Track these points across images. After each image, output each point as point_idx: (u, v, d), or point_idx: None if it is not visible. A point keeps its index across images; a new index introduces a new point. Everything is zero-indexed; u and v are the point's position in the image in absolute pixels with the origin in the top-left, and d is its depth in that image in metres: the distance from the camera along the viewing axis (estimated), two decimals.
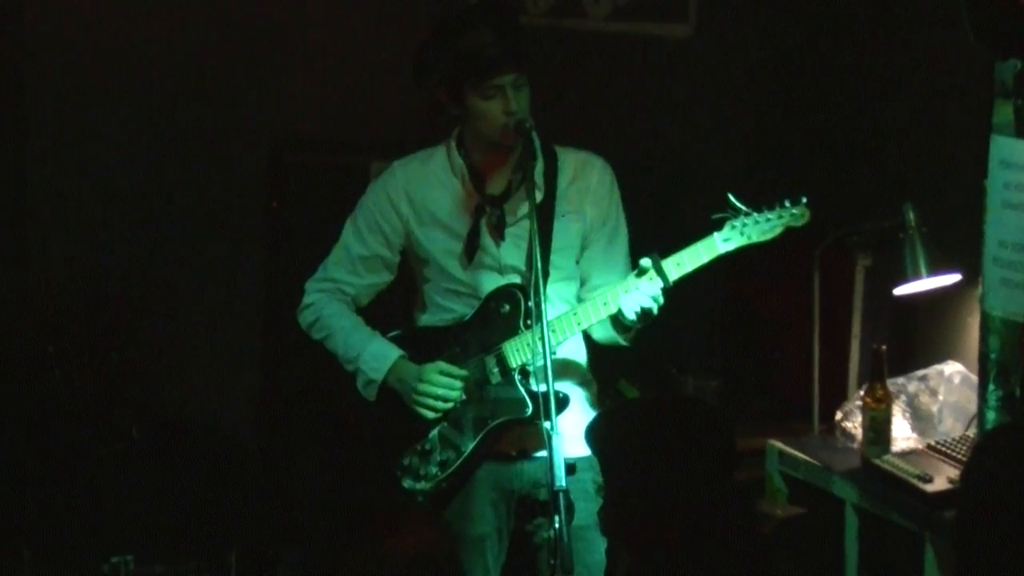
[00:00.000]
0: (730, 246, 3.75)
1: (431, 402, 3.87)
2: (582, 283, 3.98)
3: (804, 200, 3.77)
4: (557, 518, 3.26)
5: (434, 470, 3.90)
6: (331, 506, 5.04)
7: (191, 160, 5.35)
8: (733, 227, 3.74)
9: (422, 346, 3.95)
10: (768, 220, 3.76)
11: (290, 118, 5.37)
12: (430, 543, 4.06)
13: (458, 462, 3.89)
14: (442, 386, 3.87)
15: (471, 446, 3.89)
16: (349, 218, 4.02)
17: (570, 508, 3.29)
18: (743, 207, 3.74)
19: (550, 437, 3.37)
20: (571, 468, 3.35)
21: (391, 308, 4.15)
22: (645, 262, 3.74)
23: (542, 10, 5.49)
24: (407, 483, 3.91)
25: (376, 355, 3.93)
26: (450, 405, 3.88)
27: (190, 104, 5.31)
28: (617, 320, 3.81)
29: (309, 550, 5.09)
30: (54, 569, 4.66)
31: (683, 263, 3.74)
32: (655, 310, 3.74)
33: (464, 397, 3.89)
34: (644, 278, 3.74)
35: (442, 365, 3.89)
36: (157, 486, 4.83)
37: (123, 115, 5.29)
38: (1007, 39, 3.47)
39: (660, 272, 3.72)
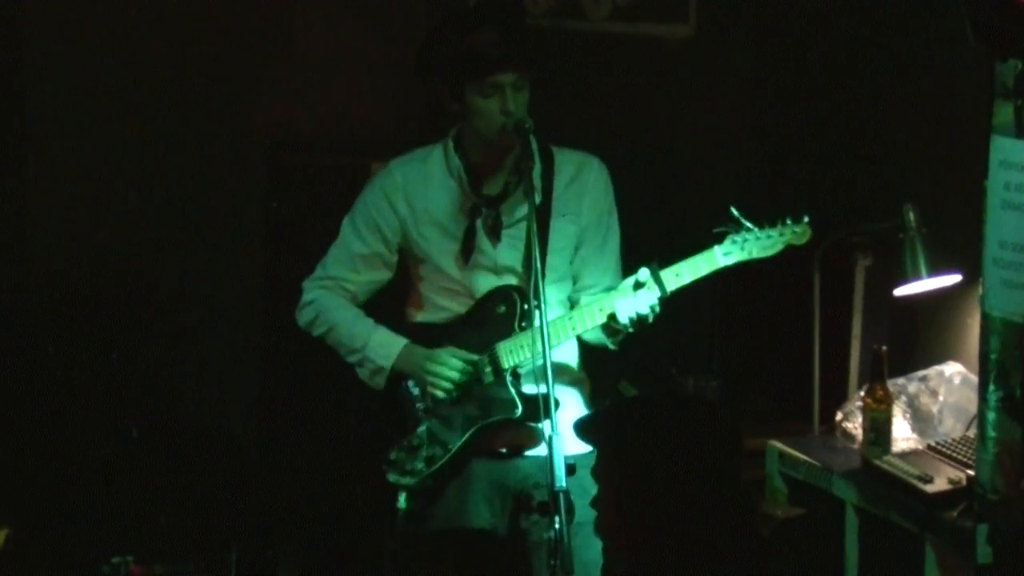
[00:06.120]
0: (730, 260, 3.75)
1: (443, 383, 3.88)
2: (573, 281, 3.99)
3: (806, 219, 3.77)
4: (557, 519, 3.26)
5: (420, 465, 3.91)
6: (331, 506, 5.04)
7: (191, 160, 5.34)
8: (734, 241, 3.75)
9: (417, 342, 3.95)
10: (769, 237, 3.76)
11: (290, 118, 5.37)
12: None
13: (444, 459, 3.90)
14: (455, 369, 3.88)
15: (458, 444, 3.90)
16: (347, 216, 4.03)
17: (570, 509, 3.29)
18: (746, 222, 3.74)
19: (551, 438, 3.37)
20: (571, 468, 3.36)
21: (382, 305, 4.15)
22: (643, 273, 3.74)
23: (542, 11, 5.49)
24: (392, 477, 3.92)
25: (383, 342, 3.94)
26: (458, 390, 3.88)
27: (190, 104, 5.30)
28: (607, 325, 3.81)
29: (309, 550, 5.09)
30: (54, 569, 4.66)
31: (682, 274, 3.75)
32: (651, 318, 3.75)
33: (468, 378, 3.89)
34: (642, 290, 3.74)
35: (453, 349, 3.90)
36: (157, 486, 4.83)
37: (123, 115, 5.28)
38: (1007, 39, 3.45)
39: (658, 282, 3.73)
